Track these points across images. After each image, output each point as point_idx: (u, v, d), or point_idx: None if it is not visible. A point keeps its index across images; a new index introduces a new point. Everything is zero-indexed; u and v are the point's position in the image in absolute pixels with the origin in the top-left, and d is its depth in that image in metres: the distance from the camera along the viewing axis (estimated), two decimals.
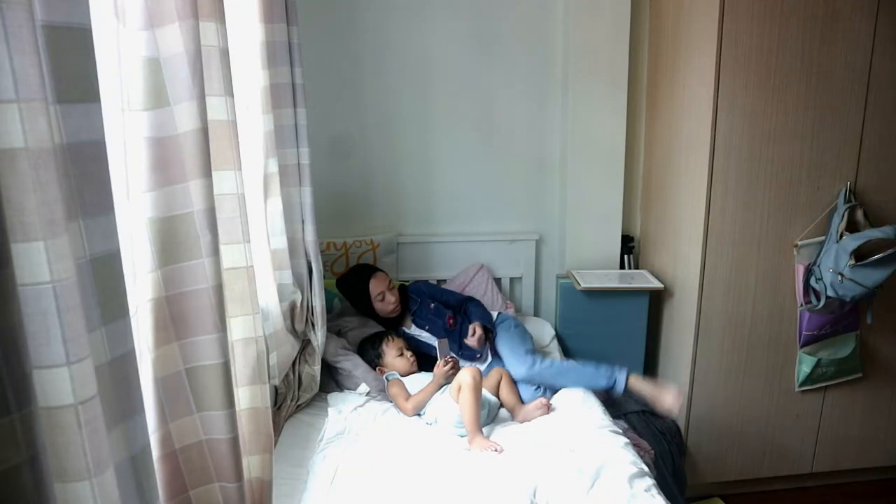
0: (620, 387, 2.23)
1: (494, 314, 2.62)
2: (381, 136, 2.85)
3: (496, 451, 1.92)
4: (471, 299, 2.63)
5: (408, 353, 2.41)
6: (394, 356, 2.39)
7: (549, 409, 2.15)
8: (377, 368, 2.41)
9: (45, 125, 0.67)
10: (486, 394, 2.20)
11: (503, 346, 2.45)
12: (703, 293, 2.40)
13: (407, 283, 2.72)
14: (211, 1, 1.18)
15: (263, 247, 1.89)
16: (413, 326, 2.59)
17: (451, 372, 2.22)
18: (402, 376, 2.34)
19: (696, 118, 2.36)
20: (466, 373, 2.07)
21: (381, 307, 2.52)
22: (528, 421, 2.13)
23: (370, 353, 2.44)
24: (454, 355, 2.34)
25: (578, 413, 2.13)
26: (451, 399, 2.09)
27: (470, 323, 2.48)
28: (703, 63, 2.28)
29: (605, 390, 2.27)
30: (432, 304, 2.56)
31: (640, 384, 2.26)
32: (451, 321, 2.51)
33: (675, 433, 2.48)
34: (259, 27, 1.84)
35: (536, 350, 2.48)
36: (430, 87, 2.82)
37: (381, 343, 2.43)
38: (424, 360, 2.46)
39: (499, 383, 2.26)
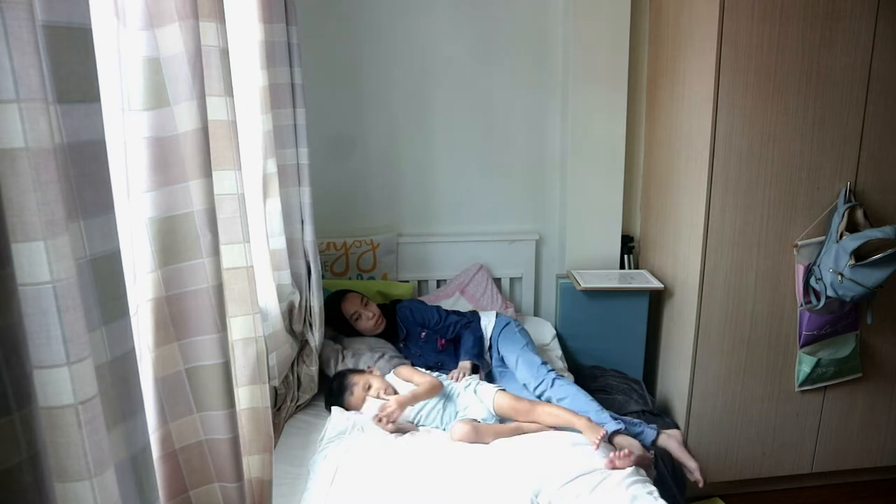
0: (650, 441, 2.22)
1: (493, 315, 2.58)
2: (381, 136, 2.85)
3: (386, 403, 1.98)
4: (466, 325, 2.47)
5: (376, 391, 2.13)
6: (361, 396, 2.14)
7: None
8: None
9: (46, 125, 0.67)
10: (486, 410, 2.09)
11: (513, 356, 2.35)
12: (703, 293, 2.40)
13: (400, 300, 2.64)
14: (211, 1, 1.18)
15: (262, 247, 1.90)
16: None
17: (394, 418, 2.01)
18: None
19: (696, 118, 2.36)
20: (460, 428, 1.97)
21: (362, 326, 2.47)
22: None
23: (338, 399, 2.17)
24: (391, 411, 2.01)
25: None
26: (399, 381, 2.11)
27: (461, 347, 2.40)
28: (703, 63, 2.28)
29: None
30: (423, 333, 2.46)
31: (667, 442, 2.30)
32: (442, 343, 2.46)
33: None
34: (258, 27, 1.84)
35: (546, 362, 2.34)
36: (429, 86, 2.82)
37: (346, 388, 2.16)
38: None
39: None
